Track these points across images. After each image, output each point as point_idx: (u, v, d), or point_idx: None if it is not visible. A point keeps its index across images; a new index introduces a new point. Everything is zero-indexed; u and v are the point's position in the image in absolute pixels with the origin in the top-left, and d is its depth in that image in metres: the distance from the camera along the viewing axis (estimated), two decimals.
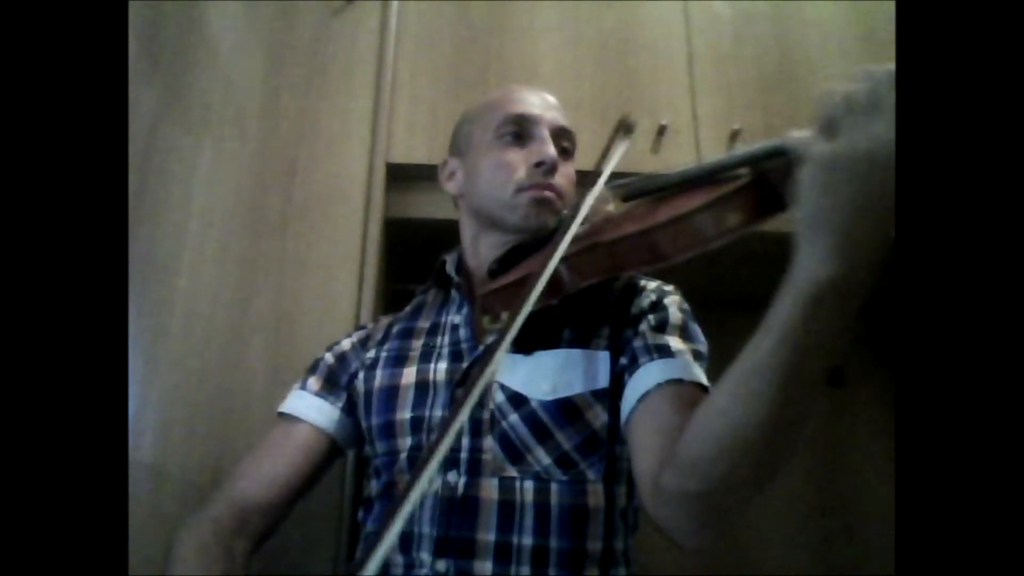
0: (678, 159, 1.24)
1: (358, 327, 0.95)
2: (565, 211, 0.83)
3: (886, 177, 0.45)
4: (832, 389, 1.59)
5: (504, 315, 0.77)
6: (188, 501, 0.98)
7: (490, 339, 0.78)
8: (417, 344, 0.85)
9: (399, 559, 0.73)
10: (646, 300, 0.79)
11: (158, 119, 1.17)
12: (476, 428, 0.74)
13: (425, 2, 1.31)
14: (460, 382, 0.77)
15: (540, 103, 0.87)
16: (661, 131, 1.25)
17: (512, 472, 0.72)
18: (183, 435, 1.02)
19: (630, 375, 0.73)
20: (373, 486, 0.82)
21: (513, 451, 0.73)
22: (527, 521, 0.70)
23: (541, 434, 0.73)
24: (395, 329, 0.89)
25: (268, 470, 0.81)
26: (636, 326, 0.77)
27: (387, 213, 1.18)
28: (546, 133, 0.84)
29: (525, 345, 0.77)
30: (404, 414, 0.79)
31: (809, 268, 0.49)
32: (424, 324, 0.88)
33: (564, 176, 0.84)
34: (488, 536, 0.70)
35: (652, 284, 0.83)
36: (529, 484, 0.72)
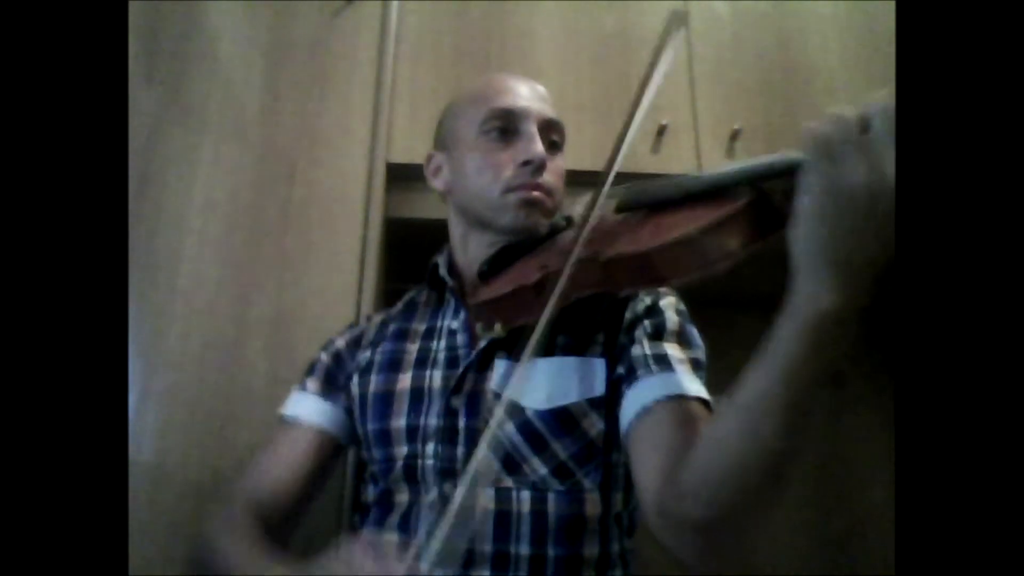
0: (678, 159, 1.24)
1: (350, 325, 0.94)
2: (560, 214, 0.82)
3: (885, 207, 0.45)
4: (832, 389, 1.59)
5: (497, 326, 0.77)
6: (188, 501, 0.98)
7: (482, 344, 0.78)
8: (412, 348, 0.84)
9: None
10: (641, 304, 0.78)
11: (158, 119, 1.17)
12: (471, 437, 0.74)
13: (425, 2, 1.31)
14: (455, 389, 0.77)
15: (526, 94, 0.84)
16: (661, 131, 1.25)
17: (508, 482, 0.72)
18: (183, 435, 1.02)
19: (628, 386, 0.72)
20: (370, 492, 0.81)
21: (509, 461, 0.72)
22: (524, 531, 0.70)
23: (537, 444, 0.72)
24: (389, 329, 0.88)
25: (279, 477, 0.80)
26: (632, 332, 0.76)
27: (387, 213, 1.18)
28: (533, 129, 0.81)
29: (518, 354, 0.76)
30: (399, 422, 0.78)
31: (809, 298, 0.49)
32: (419, 326, 0.86)
33: (553, 172, 0.82)
34: (485, 546, 0.70)
35: None
36: (526, 494, 0.71)
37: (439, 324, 0.85)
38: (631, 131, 0.68)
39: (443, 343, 0.83)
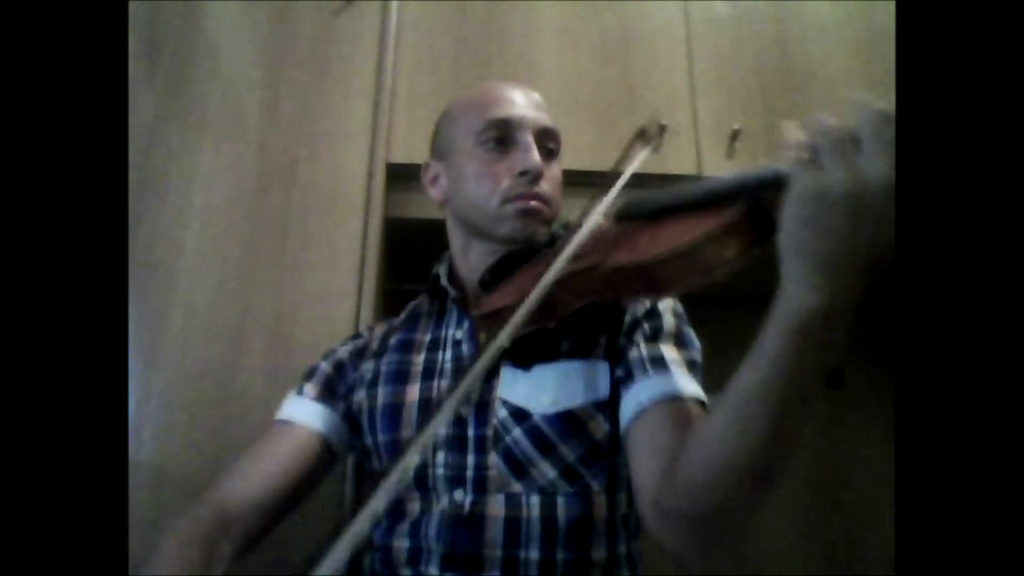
0: (678, 159, 1.24)
1: (353, 336, 0.94)
2: (558, 222, 0.82)
3: (871, 212, 0.45)
4: (832, 389, 1.60)
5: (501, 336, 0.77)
6: (188, 501, 0.98)
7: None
8: (418, 359, 0.84)
9: (407, 572, 0.73)
10: (640, 307, 0.79)
11: (158, 119, 1.17)
12: (480, 445, 0.74)
13: (425, 2, 1.31)
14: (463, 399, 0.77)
15: (522, 103, 0.84)
16: (661, 131, 1.25)
17: (517, 488, 0.72)
18: (183, 435, 1.02)
19: (626, 388, 0.73)
20: None
21: (517, 466, 0.73)
22: (534, 535, 0.70)
23: (544, 448, 0.73)
24: (393, 340, 0.88)
25: (257, 470, 0.79)
26: (631, 335, 0.76)
27: (387, 213, 1.18)
28: (530, 138, 0.81)
29: (524, 361, 0.76)
30: (409, 432, 0.78)
31: (795, 298, 0.49)
32: (424, 337, 0.86)
33: (550, 180, 0.82)
34: (495, 552, 0.70)
35: None
36: (535, 499, 0.72)
37: (444, 334, 0.85)
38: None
39: (449, 353, 0.83)
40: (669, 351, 0.74)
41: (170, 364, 1.05)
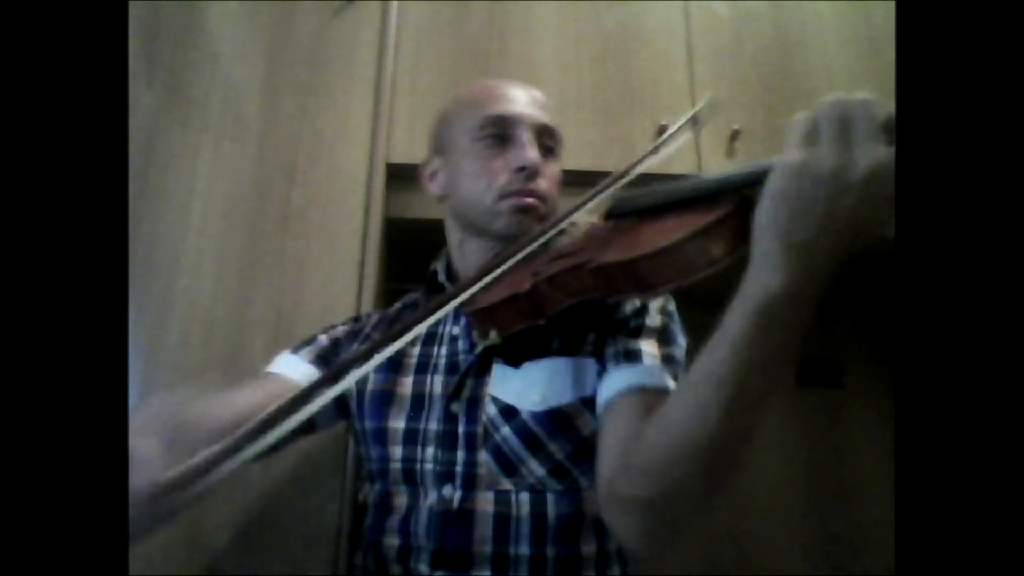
0: (678, 159, 1.24)
1: (354, 318, 0.95)
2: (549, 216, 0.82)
3: (849, 197, 0.46)
4: (832, 389, 1.60)
5: (492, 333, 0.77)
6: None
7: (478, 350, 0.79)
8: (413, 351, 0.84)
9: (397, 570, 0.73)
10: (629, 305, 0.79)
11: (158, 119, 1.17)
12: (470, 441, 0.74)
13: (425, 2, 1.31)
14: (454, 395, 0.77)
15: (521, 100, 0.84)
16: (661, 131, 1.25)
17: (507, 485, 0.72)
18: None
19: (601, 382, 0.73)
20: (369, 493, 0.81)
21: (507, 463, 0.73)
22: (523, 532, 0.71)
23: (533, 445, 0.73)
24: (386, 328, 0.88)
25: (225, 403, 0.72)
26: (617, 332, 0.76)
27: (387, 213, 1.18)
28: (527, 135, 0.81)
29: (515, 358, 0.76)
30: (398, 423, 0.79)
31: (763, 278, 0.49)
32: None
33: (548, 178, 0.82)
34: (485, 548, 0.70)
35: None
36: (524, 496, 0.72)
37: (440, 330, 0.85)
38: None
39: (444, 349, 0.83)
40: (648, 346, 0.74)
41: (170, 364, 1.05)
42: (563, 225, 0.72)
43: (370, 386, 0.82)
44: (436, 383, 0.80)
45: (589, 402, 0.74)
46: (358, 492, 0.87)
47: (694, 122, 0.80)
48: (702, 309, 0.83)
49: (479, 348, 0.79)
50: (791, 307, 0.49)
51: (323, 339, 0.89)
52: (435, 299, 0.65)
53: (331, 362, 0.85)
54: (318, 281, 1.11)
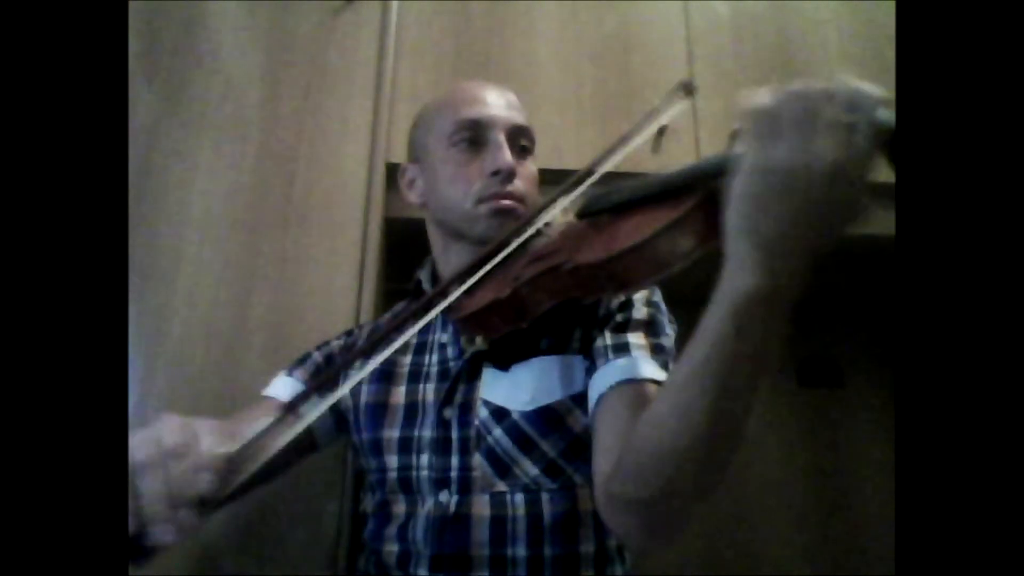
0: (678, 159, 1.24)
1: (347, 332, 0.95)
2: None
3: (817, 192, 0.44)
4: (832, 389, 1.60)
5: (479, 339, 0.78)
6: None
7: (466, 356, 0.79)
8: (405, 360, 0.85)
9: (397, 574, 0.74)
10: (615, 299, 0.79)
11: (158, 119, 1.17)
12: (464, 446, 0.75)
13: (425, 2, 1.31)
14: (446, 401, 0.78)
15: (493, 102, 0.84)
16: (661, 131, 1.25)
17: (502, 487, 0.73)
18: None
19: (591, 378, 0.73)
20: (369, 501, 0.82)
21: (500, 465, 0.73)
22: (520, 533, 0.71)
23: (525, 445, 0.73)
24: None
25: (229, 429, 0.74)
26: (603, 327, 0.76)
27: (387, 213, 1.18)
28: (501, 137, 0.81)
29: (502, 361, 0.77)
30: (393, 433, 0.79)
31: (736, 278, 0.49)
32: (411, 339, 0.86)
33: (524, 178, 0.82)
34: (482, 551, 0.70)
35: None
36: (520, 497, 0.72)
37: (430, 338, 0.86)
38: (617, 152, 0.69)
39: (435, 357, 0.84)
40: (635, 338, 0.74)
41: (170, 364, 1.05)
42: (538, 225, 0.72)
43: (364, 398, 0.83)
44: (428, 391, 0.80)
45: (579, 399, 0.74)
46: (360, 499, 0.88)
47: (666, 109, 0.79)
48: (691, 306, 0.84)
49: (468, 354, 0.79)
50: (768, 305, 0.48)
51: (317, 356, 0.89)
52: (403, 312, 0.65)
53: None
54: (318, 281, 1.11)
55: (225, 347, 1.06)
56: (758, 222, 0.47)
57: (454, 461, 0.74)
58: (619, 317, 0.77)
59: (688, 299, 0.78)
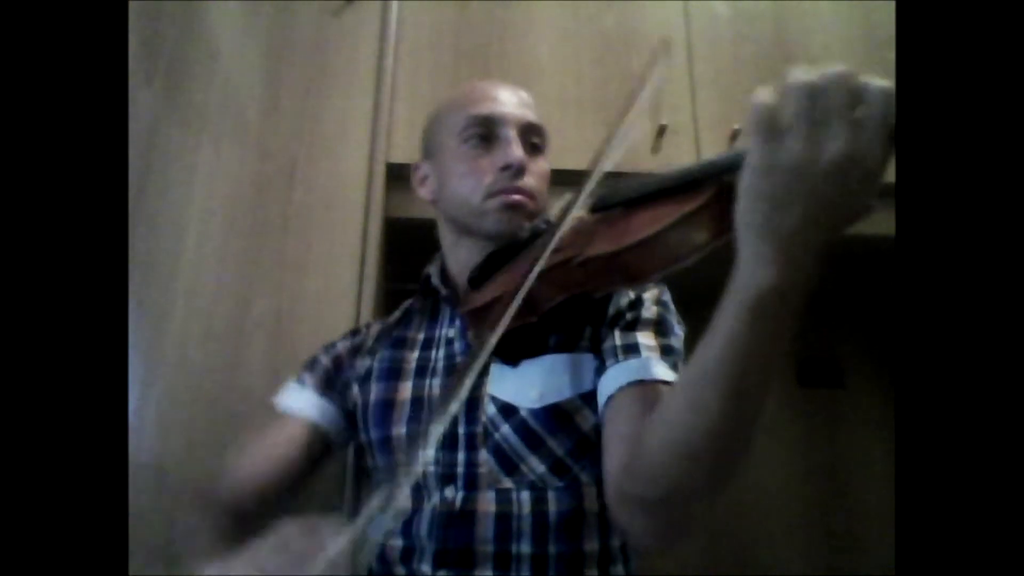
0: (678, 159, 1.24)
1: (352, 331, 0.95)
2: (541, 217, 0.82)
3: (826, 185, 0.44)
4: (832, 389, 1.60)
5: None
6: (188, 501, 0.98)
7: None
8: (412, 356, 0.85)
9: (401, 570, 0.74)
10: (624, 298, 0.79)
11: (158, 119, 1.17)
12: (471, 442, 0.75)
13: (425, 2, 1.31)
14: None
15: (505, 100, 0.85)
16: (661, 131, 1.25)
17: (508, 483, 0.72)
18: (183, 435, 1.02)
19: (600, 377, 0.73)
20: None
21: (507, 462, 0.73)
22: (525, 530, 0.71)
23: (533, 442, 0.73)
24: (387, 338, 0.89)
25: (262, 464, 0.80)
26: (613, 326, 0.76)
27: (387, 213, 1.18)
28: (512, 133, 0.82)
29: (511, 357, 0.76)
30: (401, 429, 0.79)
31: (749, 275, 0.48)
32: (417, 335, 0.87)
33: (535, 175, 0.83)
34: (487, 547, 0.70)
35: None
36: (525, 495, 0.72)
37: (437, 334, 0.86)
38: (619, 135, 0.69)
39: (442, 352, 0.83)
40: (645, 338, 0.74)
41: (170, 364, 1.05)
42: (572, 219, 0.71)
43: (373, 396, 0.83)
44: (435, 386, 0.80)
45: (588, 397, 0.74)
46: (359, 498, 0.88)
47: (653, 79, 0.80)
48: (704, 304, 0.84)
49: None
50: (781, 301, 0.48)
51: (324, 360, 0.89)
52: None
53: (334, 384, 0.86)
54: (318, 281, 1.11)
55: (225, 347, 1.07)
56: (769, 218, 0.46)
57: (460, 457, 0.74)
58: (629, 316, 0.77)
59: (696, 300, 0.78)
